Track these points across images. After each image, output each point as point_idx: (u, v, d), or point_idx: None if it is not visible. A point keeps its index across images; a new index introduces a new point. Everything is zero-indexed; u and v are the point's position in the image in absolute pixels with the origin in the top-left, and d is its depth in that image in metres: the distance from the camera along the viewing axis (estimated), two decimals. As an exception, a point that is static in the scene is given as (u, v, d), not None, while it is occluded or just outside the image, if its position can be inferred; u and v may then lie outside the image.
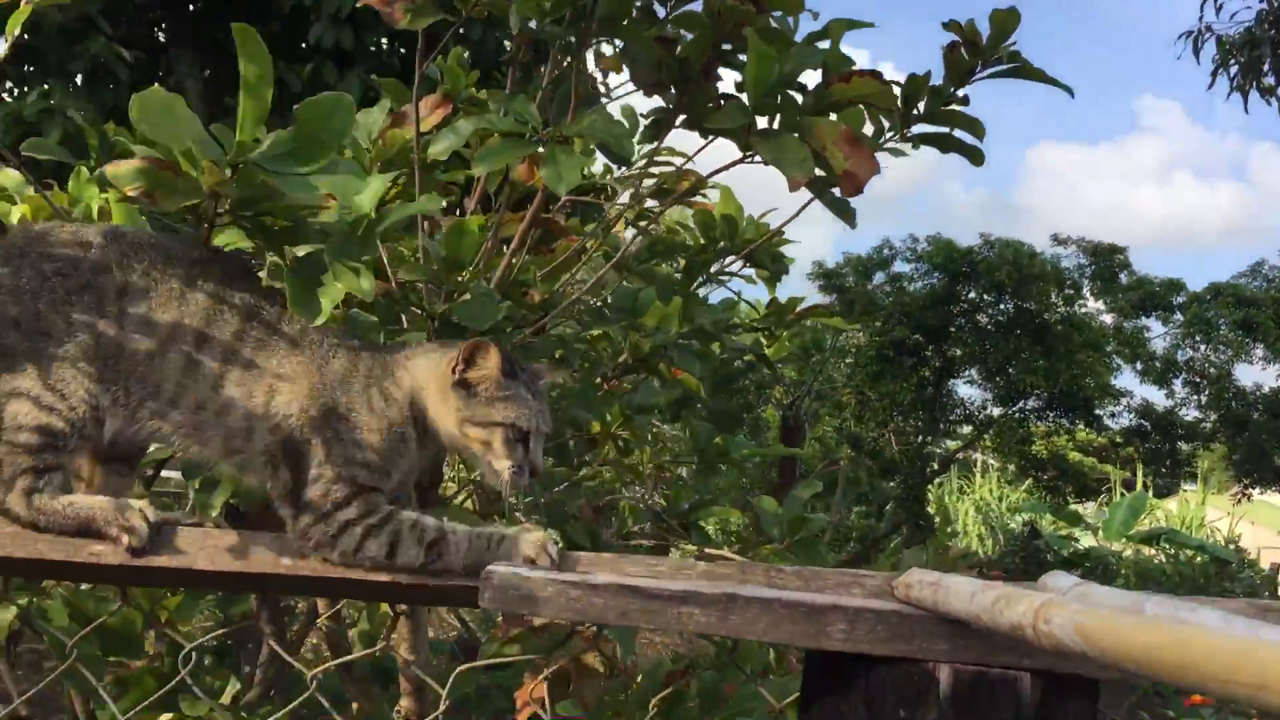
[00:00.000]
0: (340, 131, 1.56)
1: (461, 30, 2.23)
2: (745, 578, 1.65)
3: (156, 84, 1.58)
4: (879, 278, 19.09)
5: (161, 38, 8.27)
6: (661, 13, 2.01)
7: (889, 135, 2.57)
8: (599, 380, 2.71)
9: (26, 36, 7.30)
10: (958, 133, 2.48)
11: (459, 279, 1.98)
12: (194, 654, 1.76)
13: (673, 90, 2.12)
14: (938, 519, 17.47)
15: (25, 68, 7.14)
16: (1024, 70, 2.54)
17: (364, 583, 1.61)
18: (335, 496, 1.57)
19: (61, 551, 1.62)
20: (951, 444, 20.73)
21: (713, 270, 2.90)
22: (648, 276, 2.51)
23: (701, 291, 2.98)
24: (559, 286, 2.31)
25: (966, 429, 19.82)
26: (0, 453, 1.58)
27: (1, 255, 1.62)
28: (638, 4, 2.17)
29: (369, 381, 1.68)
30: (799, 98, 1.93)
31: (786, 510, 2.59)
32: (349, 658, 2.42)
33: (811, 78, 1.95)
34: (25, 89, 6.91)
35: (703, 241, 2.94)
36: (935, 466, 19.47)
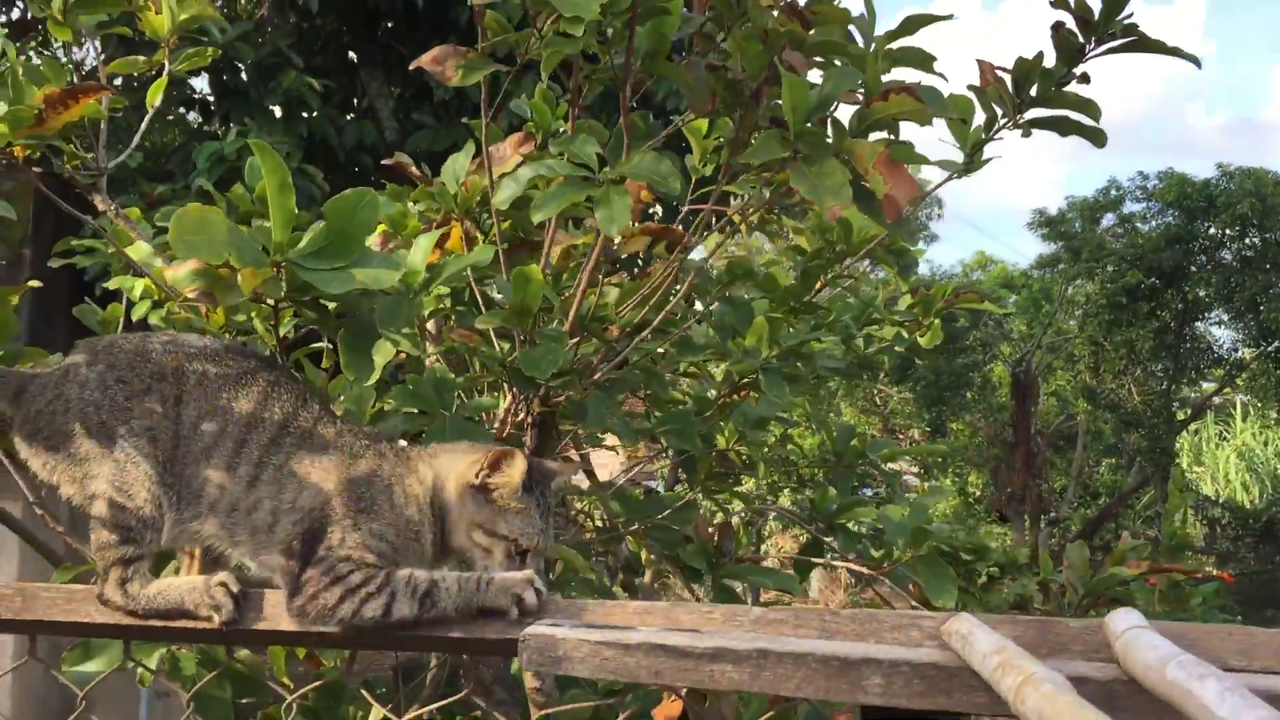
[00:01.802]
0: (367, 224, 1.63)
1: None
2: (798, 624, 1.62)
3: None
4: (1108, 220, 18.08)
5: (353, 60, 8.68)
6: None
7: (1002, 123, 2.45)
8: (716, 395, 2.70)
9: (225, 77, 7.82)
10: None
11: (528, 324, 2.01)
12: (294, 704, 1.87)
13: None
14: (1170, 488, 16.36)
15: (227, 108, 7.64)
16: (1142, 44, 2.37)
17: (422, 639, 1.68)
18: (338, 571, 1.62)
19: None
20: (1207, 386, 19.45)
21: (829, 275, 2.84)
22: (728, 301, 2.47)
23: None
24: (645, 315, 2.30)
25: (1218, 373, 18.58)
26: (95, 549, 1.72)
27: (72, 370, 1.76)
28: (695, 30, 2.15)
29: (391, 480, 1.73)
30: (844, 120, 1.87)
31: (911, 520, 2.51)
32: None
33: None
34: (229, 126, 7.38)
35: (820, 245, 2.89)
36: (1187, 413, 18.33)
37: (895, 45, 2.17)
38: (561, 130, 2.39)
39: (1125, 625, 1.37)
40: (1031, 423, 17.78)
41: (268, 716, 2.38)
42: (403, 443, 1.87)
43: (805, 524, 3.11)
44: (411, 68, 2.06)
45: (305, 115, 7.91)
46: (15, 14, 9.05)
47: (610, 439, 3.23)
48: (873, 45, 2.14)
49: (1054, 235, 18.28)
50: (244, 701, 2.28)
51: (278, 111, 7.89)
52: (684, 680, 1.49)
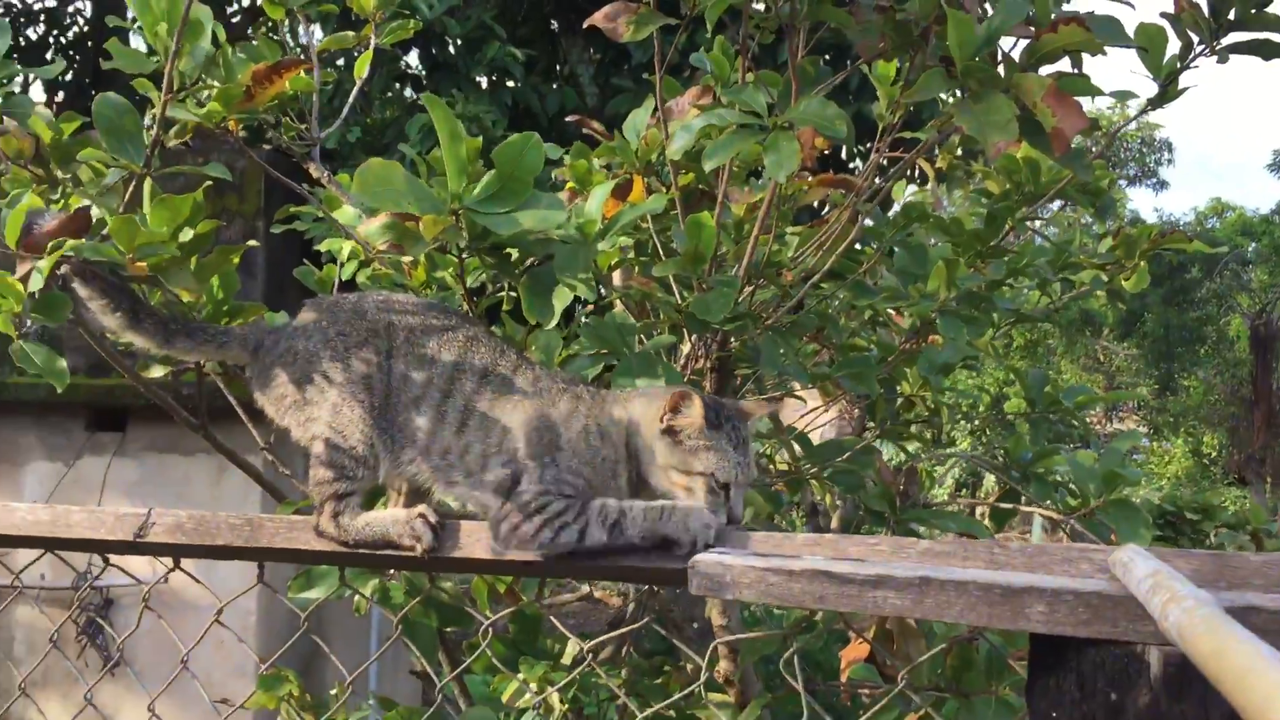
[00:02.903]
0: (533, 167, 1.72)
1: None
2: (965, 556, 1.63)
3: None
4: (1362, 159, 16.69)
5: (554, 29, 8.90)
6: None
7: (1199, 49, 2.35)
8: (900, 341, 2.70)
9: (434, 52, 8.14)
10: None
11: (702, 270, 2.08)
12: (490, 629, 2.01)
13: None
14: None
15: (437, 81, 7.97)
16: (1363, -44, 2.23)
17: (601, 568, 1.78)
18: (538, 502, 1.73)
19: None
20: None
21: (1019, 215, 2.78)
22: (905, 245, 2.46)
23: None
24: (820, 261, 2.33)
25: None
26: (313, 484, 1.90)
27: (300, 325, 1.94)
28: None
29: (588, 421, 1.82)
30: (1014, 55, 1.84)
31: (1102, 464, 2.45)
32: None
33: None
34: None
35: (1007, 187, 2.83)
36: None
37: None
38: (735, 80, 2.43)
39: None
40: (1272, 379, 16.68)
41: (471, 645, 2.55)
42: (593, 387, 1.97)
43: (998, 471, 3.07)
44: (585, 25, 2.14)
45: (509, 84, 8.19)
46: (245, 1, 9.68)
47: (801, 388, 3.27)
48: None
49: (1298, 177, 17.00)
50: (449, 631, 2.44)
51: (484, 83, 8.19)
52: (847, 606, 1.53)
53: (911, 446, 3.19)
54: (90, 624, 5.90)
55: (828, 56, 7.81)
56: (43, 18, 10.26)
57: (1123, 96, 2.09)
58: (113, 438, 6.25)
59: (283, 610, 5.89)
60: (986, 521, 3.09)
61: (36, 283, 1.69)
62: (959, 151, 3.14)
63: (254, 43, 2.66)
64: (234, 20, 10.09)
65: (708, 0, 2.01)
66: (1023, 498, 2.99)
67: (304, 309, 2.00)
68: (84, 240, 1.74)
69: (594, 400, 1.87)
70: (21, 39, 10.09)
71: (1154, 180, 30.24)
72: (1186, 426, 18.53)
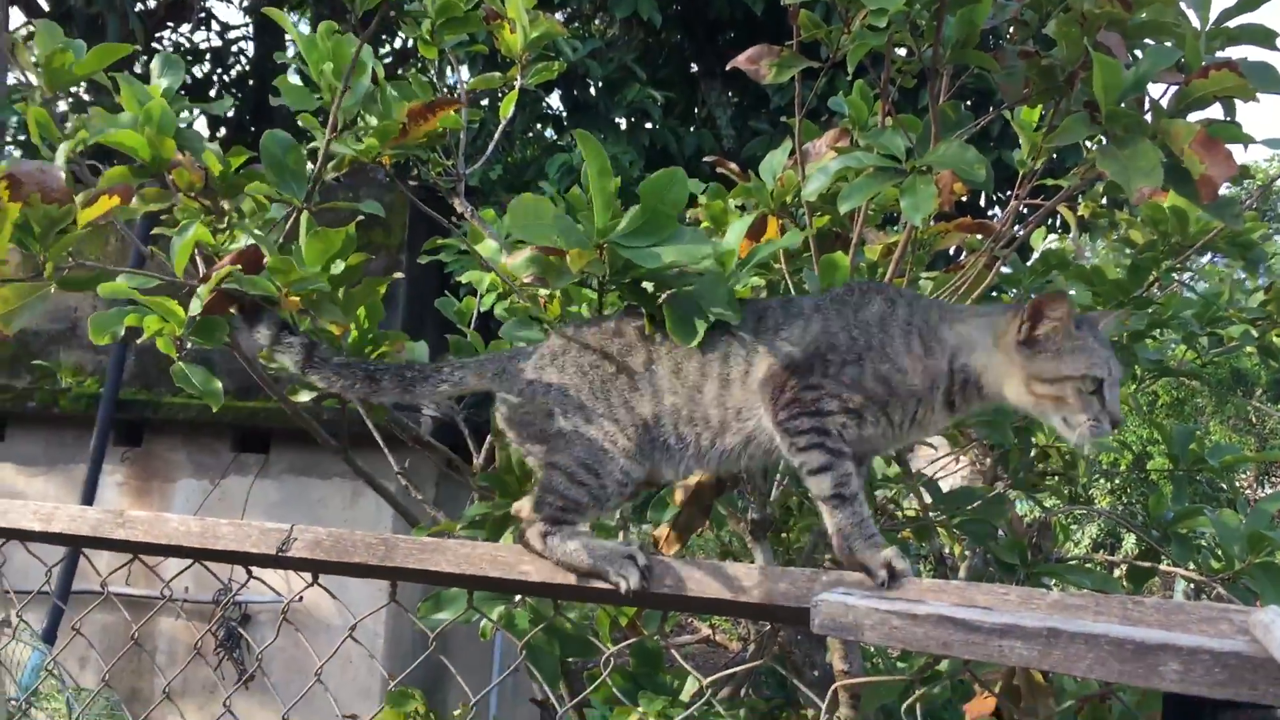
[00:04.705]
0: (677, 202, 1.77)
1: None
2: (1098, 611, 1.60)
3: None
4: None
5: (694, 71, 9.02)
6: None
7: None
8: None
9: (576, 93, 8.33)
10: None
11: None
12: (611, 660, 2.04)
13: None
14: None
15: (577, 122, 8.15)
16: None
17: (726, 603, 1.78)
18: (820, 406, 1.74)
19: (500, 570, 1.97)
20: None
21: (1165, 266, 2.71)
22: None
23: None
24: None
25: None
26: (539, 490, 1.92)
27: (548, 357, 1.96)
28: (1012, 16, 2.14)
29: (909, 328, 1.81)
30: (1162, 101, 1.81)
31: (1248, 525, 2.36)
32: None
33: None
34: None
35: (1153, 237, 2.77)
36: None
37: (1234, 23, 2.07)
38: (873, 124, 2.44)
39: None
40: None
41: (592, 675, 2.58)
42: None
43: (1138, 530, 2.97)
44: (728, 66, 2.18)
45: (648, 126, 8.32)
46: (398, 43, 10.05)
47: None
48: (1206, 24, 2.06)
49: None
50: (570, 661, 2.47)
51: (623, 124, 8.34)
52: (972, 654, 1.51)
53: (1048, 502, 3.11)
54: (229, 636, 6.12)
55: (969, 102, 7.73)
56: (208, 56, 10.82)
57: (1276, 144, 2.03)
58: (257, 459, 6.51)
59: (408, 634, 6.03)
60: (1124, 582, 3.00)
61: (195, 308, 1.79)
62: (1103, 200, 3.08)
63: (408, 82, 2.77)
64: (386, 61, 10.50)
65: (850, 44, 2.03)
66: (1164, 560, 2.90)
67: (550, 335, 2.03)
68: (240, 271, 1.83)
69: (912, 309, 1.85)
70: (189, 77, 10.66)
71: (1291, 224, 28.99)
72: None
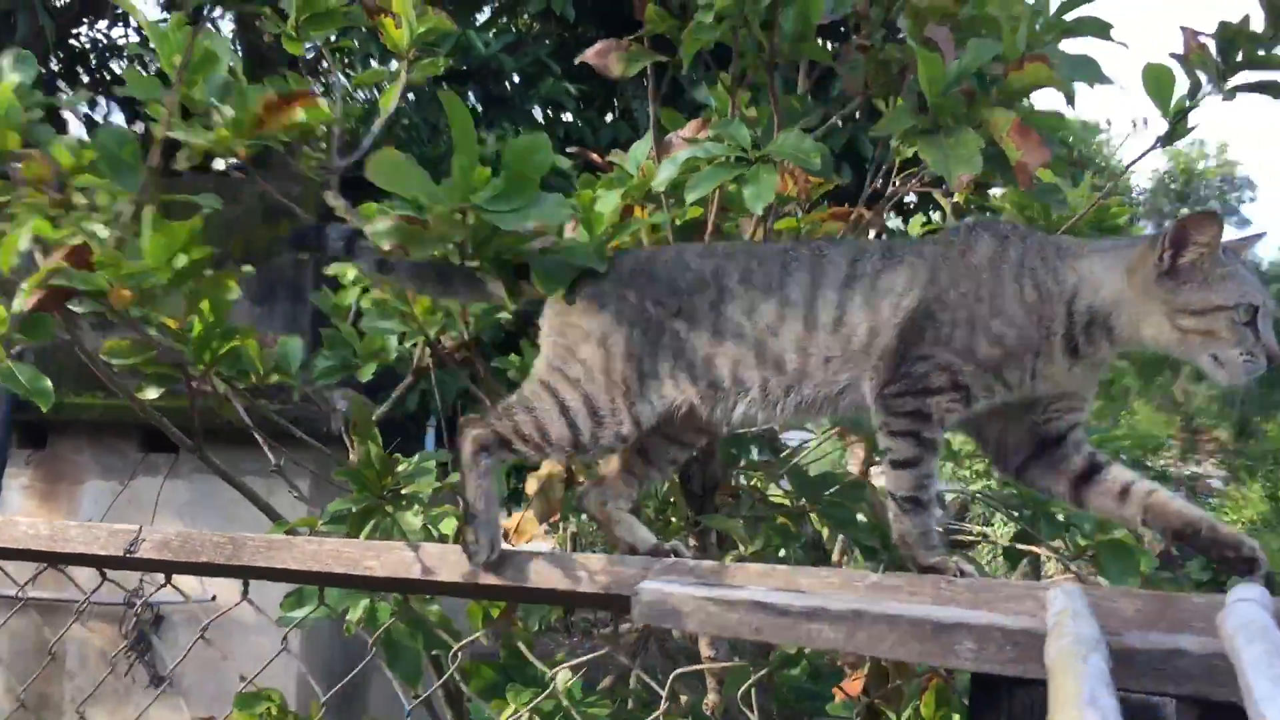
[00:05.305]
0: (541, 166, 1.78)
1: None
2: (912, 591, 1.62)
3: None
4: None
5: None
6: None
7: (1206, 90, 2.35)
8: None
9: (491, 88, 8.31)
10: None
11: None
12: (459, 653, 2.04)
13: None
14: None
15: (493, 115, 8.12)
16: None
17: (545, 592, 1.80)
18: (928, 383, 1.65)
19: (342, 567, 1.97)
20: None
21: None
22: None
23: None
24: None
25: None
26: (499, 409, 1.87)
27: (610, 284, 1.87)
28: (851, 9, 2.18)
29: (1021, 269, 1.68)
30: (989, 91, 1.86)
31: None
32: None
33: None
34: (492, 131, 7.85)
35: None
36: None
37: (1071, 15, 2.12)
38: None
39: (1235, 598, 1.31)
40: None
41: (463, 670, 2.58)
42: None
43: (1003, 510, 3.03)
44: (577, 61, 2.18)
45: (565, 119, 8.31)
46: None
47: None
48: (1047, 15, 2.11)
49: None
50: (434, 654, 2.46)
51: (539, 118, 8.34)
52: (782, 637, 1.53)
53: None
54: (140, 639, 6.03)
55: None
56: (125, 52, 10.63)
57: (1093, 133, 2.09)
58: (166, 459, 6.39)
59: (327, 633, 5.98)
60: (999, 562, 3.06)
61: (18, 305, 1.77)
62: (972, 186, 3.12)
63: (284, 79, 2.74)
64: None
65: (686, 39, 2.05)
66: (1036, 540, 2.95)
67: (618, 261, 1.92)
68: (68, 266, 1.81)
69: (1026, 248, 1.71)
70: (106, 73, 10.44)
71: (1236, 218, 29.83)
72: (1264, 470, 17.99)
